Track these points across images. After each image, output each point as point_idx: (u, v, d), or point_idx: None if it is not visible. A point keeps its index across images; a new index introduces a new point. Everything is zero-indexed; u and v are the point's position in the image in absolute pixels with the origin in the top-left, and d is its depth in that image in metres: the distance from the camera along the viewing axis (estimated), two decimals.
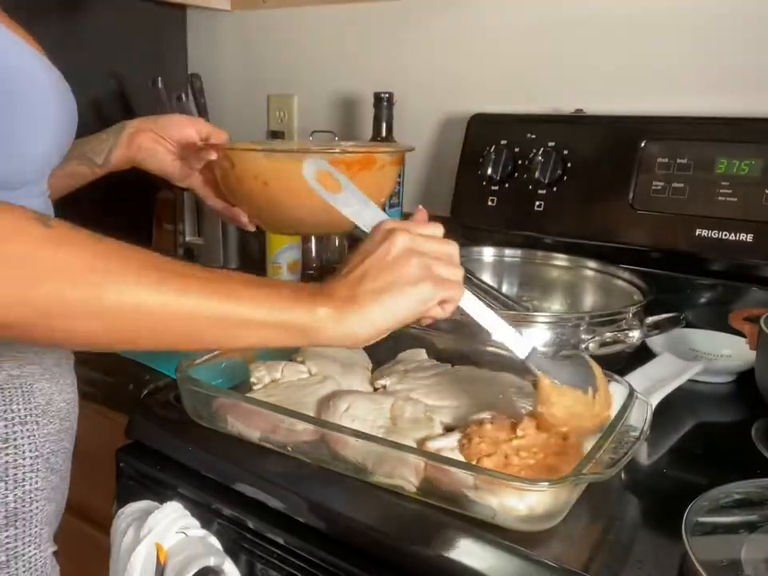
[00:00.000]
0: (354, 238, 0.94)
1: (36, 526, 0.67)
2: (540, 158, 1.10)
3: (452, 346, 0.80)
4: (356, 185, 0.63)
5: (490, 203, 1.16)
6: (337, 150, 0.86)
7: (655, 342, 0.90)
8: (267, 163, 0.80)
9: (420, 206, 0.65)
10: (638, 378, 0.76)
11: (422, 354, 0.80)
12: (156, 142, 0.84)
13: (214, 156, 0.82)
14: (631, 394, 0.65)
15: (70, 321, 0.47)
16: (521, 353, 0.62)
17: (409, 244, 0.57)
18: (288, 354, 0.79)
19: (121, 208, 0.98)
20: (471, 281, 0.95)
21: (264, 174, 0.80)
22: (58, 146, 0.66)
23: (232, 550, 0.63)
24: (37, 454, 0.64)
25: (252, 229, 0.90)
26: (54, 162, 0.67)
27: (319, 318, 0.53)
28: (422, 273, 0.56)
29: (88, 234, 0.49)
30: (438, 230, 0.61)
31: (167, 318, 0.49)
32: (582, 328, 0.82)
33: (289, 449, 0.64)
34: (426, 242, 0.58)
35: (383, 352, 0.79)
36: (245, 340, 0.54)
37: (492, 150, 1.15)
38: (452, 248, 0.60)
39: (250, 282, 0.54)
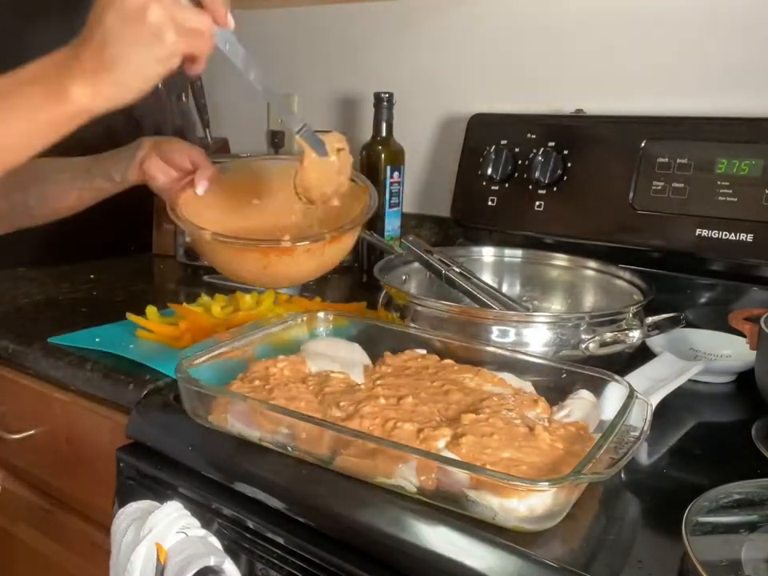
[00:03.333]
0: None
1: None
2: (540, 158, 1.10)
3: (452, 346, 0.80)
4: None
5: (490, 203, 1.16)
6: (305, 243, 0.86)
7: (655, 341, 0.90)
8: (214, 244, 0.84)
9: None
10: (637, 377, 0.76)
11: (421, 353, 0.80)
12: (159, 170, 0.91)
13: (196, 188, 0.87)
14: (631, 393, 0.65)
15: None
16: (293, 125, 0.71)
17: None
18: (288, 354, 0.79)
19: (121, 208, 0.99)
20: (471, 280, 0.95)
21: (209, 246, 0.86)
22: None
23: (232, 550, 0.63)
24: None
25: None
26: None
27: (76, 99, 0.59)
28: (162, 21, 0.58)
29: None
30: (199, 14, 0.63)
31: None
32: (582, 328, 0.82)
33: (288, 448, 0.64)
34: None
35: (383, 351, 0.80)
36: (18, 142, 0.62)
37: (492, 149, 1.15)
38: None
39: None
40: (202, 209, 0.88)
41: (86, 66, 0.59)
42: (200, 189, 0.86)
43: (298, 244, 0.82)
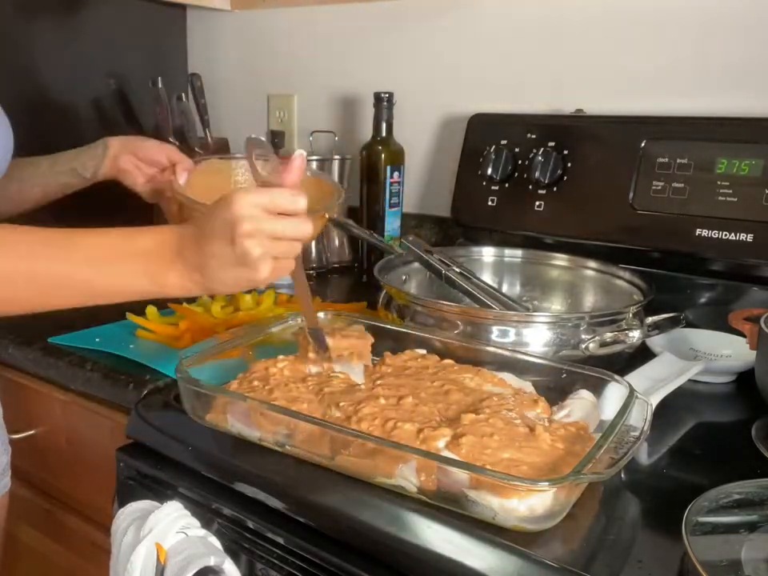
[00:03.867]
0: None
1: None
2: (540, 158, 1.10)
3: (452, 346, 0.80)
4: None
5: (490, 203, 1.16)
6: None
7: (655, 341, 0.90)
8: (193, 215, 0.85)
9: (302, 152, 0.67)
10: (637, 377, 0.76)
11: (421, 353, 0.80)
12: (133, 165, 0.96)
13: (176, 179, 0.89)
14: (631, 393, 0.65)
15: None
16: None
17: (253, 228, 0.61)
18: (288, 354, 0.79)
19: (122, 209, 1.00)
20: (471, 280, 0.95)
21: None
22: None
23: (232, 550, 0.63)
24: None
25: None
26: None
27: (169, 287, 0.64)
28: (260, 258, 0.62)
29: None
30: (297, 202, 0.63)
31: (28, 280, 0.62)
32: (582, 328, 0.82)
33: (288, 448, 0.64)
34: (272, 222, 0.62)
35: (383, 351, 0.79)
36: (103, 299, 0.65)
37: (492, 149, 1.15)
38: (298, 225, 0.64)
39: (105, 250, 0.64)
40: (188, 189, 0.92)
41: (187, 266, 0.63)
42: (181, 180, 0.88)
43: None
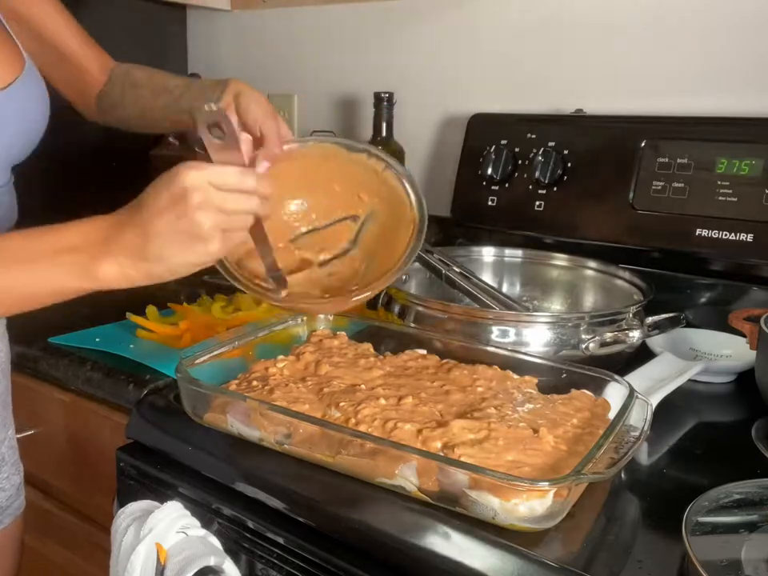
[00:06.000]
0: None
1: None
2: (540, 157, 1.10)
3: (452, 346, 0.80)
4: None
5: (490, 203, 1.16)
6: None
7: (655, 341, 0.90)
8: None
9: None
10: (638, 377, 0.76)
11: (421, 353, 0.80)
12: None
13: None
14: (631, 393, 0.65)
15: None
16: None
17: (203, 199, 0.58)
18: (288, 354, 0.79)
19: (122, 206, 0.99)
20: (471, 280, 0.95)
21: None
22: (14, 155, 0.80)
23: (232, 550, 0.63)
24: None
25: None
26: (13, 162, 0.81)
27: (103, 278, 0.60)
28: (211, 229, 0.59)
29: None
30: (244, 182, 0.61)
31: None
32: (581, 328, 0.82)
33: (287, 447, 0.64)
34: (221, 195, 0.59)
35: (385, 350, 0.80)
36: (38, 303, 0.63)
37: (492, 149, 1.15)
38: (249, 200, 0.61)
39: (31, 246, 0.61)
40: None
41: (124, 251, 0.60)
42: (260, 169, 0.75)
43: (357, 297, 0.73)
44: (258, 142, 0.78)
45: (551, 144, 1.10)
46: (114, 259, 0.60)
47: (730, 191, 0.96)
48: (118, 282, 0.61)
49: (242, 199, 0.61)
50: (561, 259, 1.07)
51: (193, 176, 0.59)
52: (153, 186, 0.61)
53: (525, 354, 0.76)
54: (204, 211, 0.58)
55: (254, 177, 0.62)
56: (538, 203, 1.11)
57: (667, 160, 1.01)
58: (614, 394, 0.67)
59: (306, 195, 0.81)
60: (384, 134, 1.23)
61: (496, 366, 0.74)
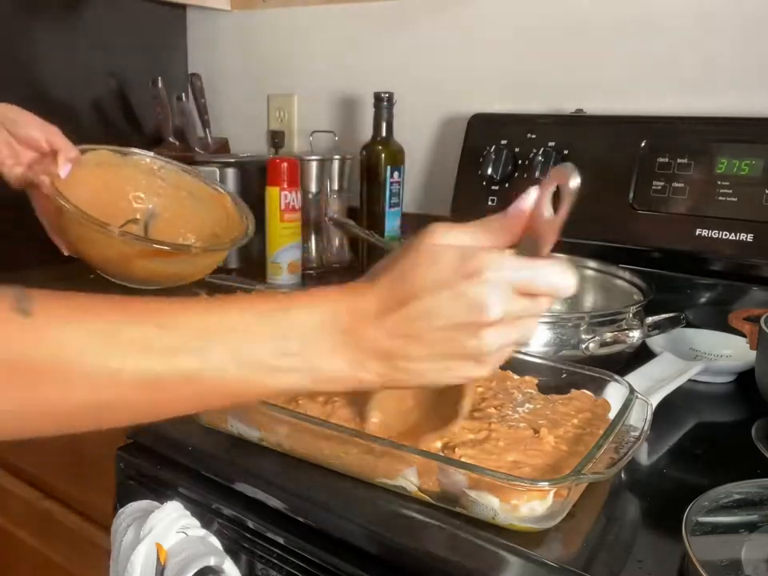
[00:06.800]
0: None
1: None
2: (540, 158, 1.10)
3: None
4: None
5: (490, 203, 1.16)
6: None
7: (655, 341, 0.90)
8: (80, 229, 0.86)
9: (534, 190, 0.50)
10: (637, 378, 0.76)
11: None
12: (3, 141, 0.82)
13: (57, 171, 0.80)
14: (631, 393, 0.65)
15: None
16: None
17: (501, 314, 0.44)
18: None
19: None
20: None
21: (78, 233, 0.88)
22: None
23: (232, 550, 0.63)
24: None
25: (67, 254, 0.99)
26: None
27: (325, 378, 0.45)
28: (496, 352, 0.46)
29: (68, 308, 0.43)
30: (569, 286, 0.48)
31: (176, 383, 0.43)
32: (582, 328, 0.82)
33: (287, 447, 0.64)
34: (518, 304, 0.45)
35: None
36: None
37: (492, 150, 1.15)
38: (541, 308, 0.47)
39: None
40: (68, 184, 0.85)
41: (361, 352, 0.45)
42: (63, 172, 0.77)
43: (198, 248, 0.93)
44: (46, 155, 0.82)
45: (551, 144, 1.10)
46: (343, 356, 0.45)
47: (730, 191, 0.96)
48: (345, 386, 0.47)
49: (537, 308, 0.47)
50: (560, 259, 1.07)
51: (500, 277, 0.44)
52: (424, 267, 0.44)
53: (525, 353, 0.76)
54: (497, 330, 0.45)
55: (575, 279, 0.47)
56: None
57: (667, 160, 1.01)
58: (614, 394, 0.67)
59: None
60: (384, 133, 1.23)
61: None
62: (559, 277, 0.47)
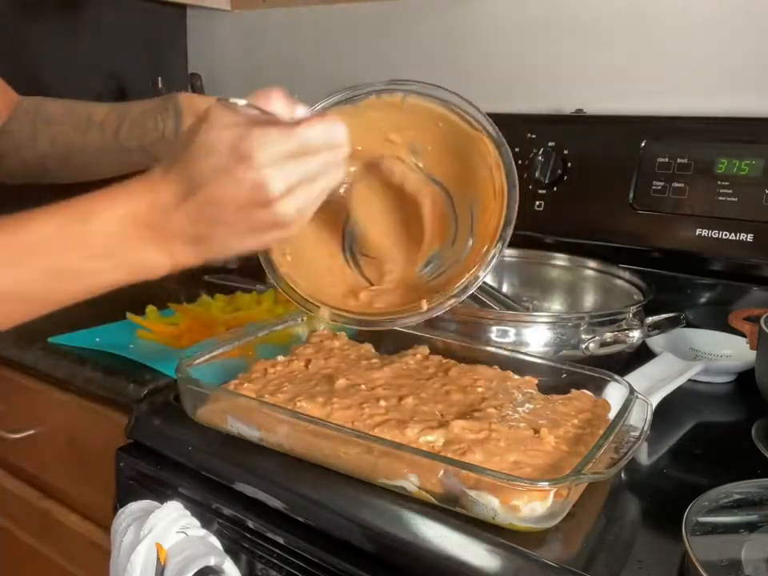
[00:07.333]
0: None
1: None
2: (540, 158, 1.10)
3: (452, 346, 0.80)
4: None
5: None
6: None
7: (655, 341, 0.90)
8: None
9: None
10: (638, 377, 0.76)
11: (425, 350, 0.80)
12: None
13: None
14: (631, 393, 0.65)
15: None
16: None
17: (286, 185, 0.47)
18: (289, 352, 0.79)
19: None
20: None
21: None
22: None
23: (232, 550, 0.63)
24: None
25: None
26: None
27: (147, 269, 0.52)
28: (291, 219, 0.50)
29: None
30: (336, 136, 0.49)
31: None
32: (582, 328, 0.82)
33: (287, 447, 0.64)
34: (303, 165, 0.48)
35: (387, 349, 0.80)
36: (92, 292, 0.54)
37: None
38: (334, 167, 0.50)
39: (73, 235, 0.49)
40: None
41: (174, 242, 0.50)
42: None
43: (433, 308, 0.69)
44: None
45: (551, 144, 1.10)
46: (159, 247, 0.50)
47: (730, 191, 0.96)
48: (164, 271, 0.53)
49: (326, 165, 0.50)
50: (561, 259, 1.07)
51: (268, 153, 0.47)
52: (202, 157, 0.48)
53: (525, 354, 0.76)
54: (288, 199, 0.48)
55: (344, 125, 0.49)
56: (537, 203, 1.11)
57: (667, 160, 1.01)
58: (614, 394, 0.67)
59: None
60: None
61: (496, 366, 0.74)
62: (326, 129, 0.49)
